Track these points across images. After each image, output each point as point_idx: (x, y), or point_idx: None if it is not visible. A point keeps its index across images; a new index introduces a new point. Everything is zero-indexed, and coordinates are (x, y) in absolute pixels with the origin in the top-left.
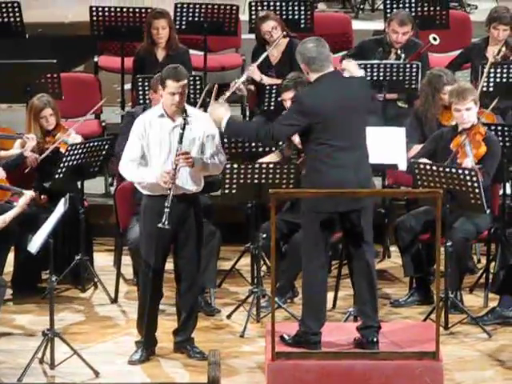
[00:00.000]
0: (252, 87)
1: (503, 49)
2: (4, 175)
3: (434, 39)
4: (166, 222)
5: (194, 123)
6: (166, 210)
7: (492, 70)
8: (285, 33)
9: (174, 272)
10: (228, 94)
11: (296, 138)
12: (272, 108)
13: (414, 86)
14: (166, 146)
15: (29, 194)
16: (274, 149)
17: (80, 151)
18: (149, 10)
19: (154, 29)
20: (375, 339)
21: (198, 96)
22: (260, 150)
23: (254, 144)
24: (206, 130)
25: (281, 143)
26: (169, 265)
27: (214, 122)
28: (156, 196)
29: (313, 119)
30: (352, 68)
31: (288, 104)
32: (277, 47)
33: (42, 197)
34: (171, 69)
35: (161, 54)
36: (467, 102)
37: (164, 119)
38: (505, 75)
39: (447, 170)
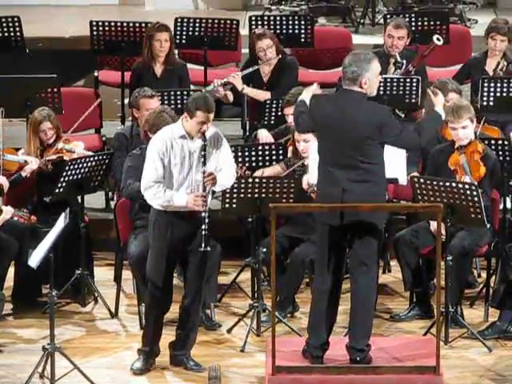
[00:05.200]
0: (229, 94)
1: (503, 62)
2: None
3: (438, 40)
4: (204, 245)
5: (209, 142)
6: (204, 232)
7: (492, 84)
8: (279, 56)
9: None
10: (204, 90)
11: (300, 146)
12: (272, 123)
13: (413, 100)
14: (187, 166)
15: (8, 211)
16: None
17: (80, 166)
18: (149, 25)
19: (157, 41)
20: (359, 359)
21: None
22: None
23: (254, 158)
24: (219, 147)
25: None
26: None
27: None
28: (167, 212)
29: (312, 123)
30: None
31: (290, 119)
32: (268, 65)
33: (32, 217)
34: (201, 99)
35: (159, 69)
36: (462, 121)
37: (185, 140)
38: (505, 89)
39: (447, 184)
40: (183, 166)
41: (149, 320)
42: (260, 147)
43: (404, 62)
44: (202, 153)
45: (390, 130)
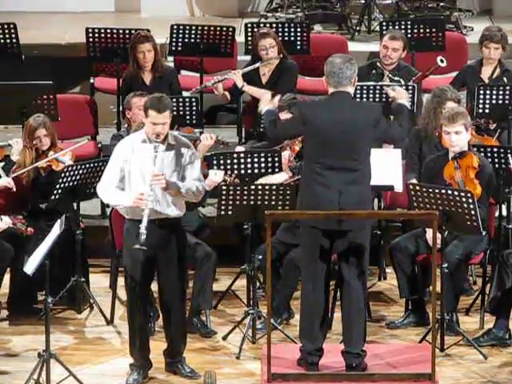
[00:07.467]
0: (227, 93)
1: (497, 70)
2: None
3: (442, 61)
4: (142, 244)
5: (179, 150)
6: (142, 231)
7: (488, 92)
8: (281, 56)
9: (158, 297)
10: (202, 86)
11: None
12: None
13: (409, 108)
14: (148, 171)
15: (6, 222)
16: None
17: (76, 172)
18: (143, 33)
19: (140, 53)
20: (354, 365)
21: (194, 117)
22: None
23: (250, 165)
24: (187, 158)
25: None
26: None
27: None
28: (136, 220)
29: (306, 129)
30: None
31: None
32: (268, 66)
33: (29, 229)
34: (155, 99)
35: (148, 77)
36: (457, 125)
37: (146, 145)
38: (500, 97)
39: (443, 191)
40: (144, 170)
41: (133, 332)
42: (256, 154)
43: (400, 79)
44: (154, 153)
45: (382, 125)
